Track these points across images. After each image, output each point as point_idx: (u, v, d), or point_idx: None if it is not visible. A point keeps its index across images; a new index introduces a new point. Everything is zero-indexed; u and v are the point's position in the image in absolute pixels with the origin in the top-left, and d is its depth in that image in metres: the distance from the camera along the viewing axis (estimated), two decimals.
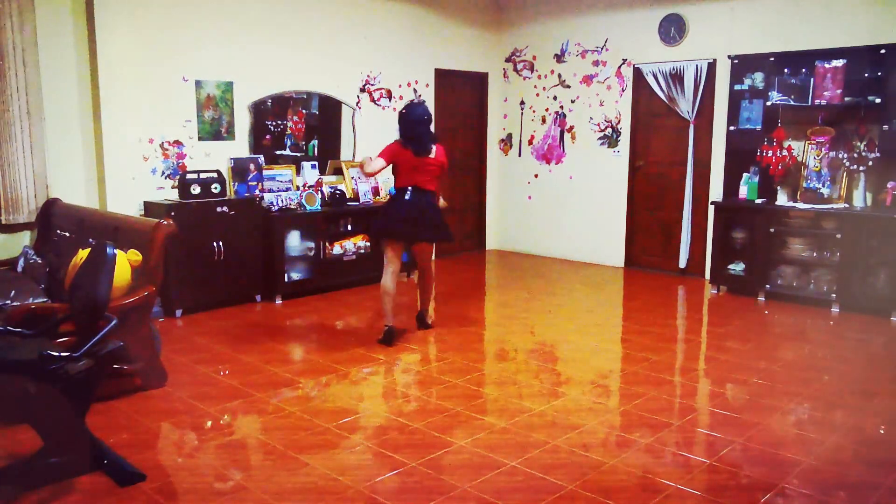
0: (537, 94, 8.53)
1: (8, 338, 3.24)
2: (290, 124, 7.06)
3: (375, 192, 7.23)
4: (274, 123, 6.91)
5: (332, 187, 6.93)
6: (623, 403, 4.11)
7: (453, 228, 8.61)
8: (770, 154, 6.41)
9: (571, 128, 8.27)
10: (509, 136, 8.88)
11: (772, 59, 6.42)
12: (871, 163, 6.00)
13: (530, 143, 8.65)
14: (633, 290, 7.13)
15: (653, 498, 3.03)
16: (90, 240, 4.39)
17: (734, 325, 5.72)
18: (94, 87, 5.64)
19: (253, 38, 6.48)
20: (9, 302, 4.21)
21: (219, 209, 5.92)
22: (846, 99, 6.03)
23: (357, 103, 7.43)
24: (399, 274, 5.30)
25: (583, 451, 3.47)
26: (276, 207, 6.38)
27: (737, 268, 6.65)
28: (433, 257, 5.46)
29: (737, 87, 6.62)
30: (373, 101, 7.57)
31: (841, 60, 6.06)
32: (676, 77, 7.30)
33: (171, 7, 5.95)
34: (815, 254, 6.21)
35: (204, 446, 3.56)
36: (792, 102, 6.31)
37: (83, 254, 4.02)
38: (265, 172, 6.52)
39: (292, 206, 6.47)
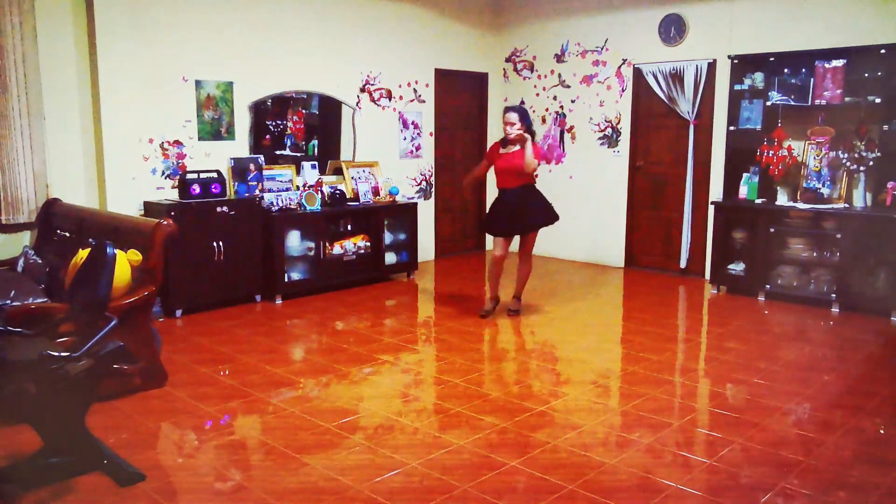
0: (537, 94, 8.52)
1: (8, 338, 3.24)
2: (290, 124, 7.06)
3: (375, 191, 7.23)
4: (274, 123, 6.91)
5: (332, 187, 6.93)
6: (623, 403, 4.11)
7: (453, 228, 8.71)
8: (770, 154, 6.41)
9: (571, 128, 8.26)
10: None
11: (772, 59, 6.42)
12: (871, 163, 6.00)
13: None
14: (633, 290, 7.13)
15: (653, 498, 3.03)
16: (90, 240, 4.39)
17: (734, 325, 5.72)
18: (94, 87, 5.65)
19: (253, 38, 6.48)
20: (9, 302, 4.21)
21: (219, 209, 5.92)
22: (846, 99, 6.04)
23: (357, 103, 7.42)
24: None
25: (583, 451, 3.47)
26: (276, 207, 6.38)
27: (737, 268, 6.65)
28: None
29: (737, 87, 6.62)
30: (373, 101, 7.57)
31: (841, 60, 6.06)
32: (676, 77, 7.30)
33: (171, 7, 5.95)
34: (815, 254, 6.21)
35: (204, 446, 3.56)
36: (792, 102, 6.31)
37: (83, 254, 4.02)
38: (265, 172, 6.52)
39: (292, 206, 6.47)
